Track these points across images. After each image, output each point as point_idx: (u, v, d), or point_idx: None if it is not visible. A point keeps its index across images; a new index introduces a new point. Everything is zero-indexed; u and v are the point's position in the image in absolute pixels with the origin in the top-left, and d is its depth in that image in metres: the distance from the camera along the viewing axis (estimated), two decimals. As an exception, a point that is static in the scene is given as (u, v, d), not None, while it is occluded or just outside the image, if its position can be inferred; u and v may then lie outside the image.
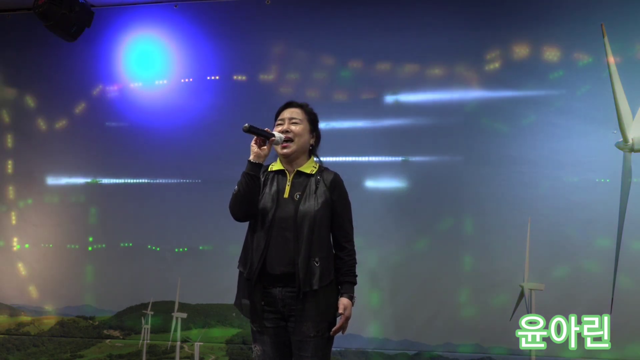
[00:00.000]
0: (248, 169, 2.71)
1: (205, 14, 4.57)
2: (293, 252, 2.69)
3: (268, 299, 2.73)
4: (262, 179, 2.84)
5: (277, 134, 2.76)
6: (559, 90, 4.03)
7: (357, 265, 2.83)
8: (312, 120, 2.87)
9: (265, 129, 2.70)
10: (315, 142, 2.90)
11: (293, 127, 2.79)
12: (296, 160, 2.83)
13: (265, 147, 2.71)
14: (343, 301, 2.74)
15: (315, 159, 2.91)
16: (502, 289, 3.98)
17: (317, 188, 2.77)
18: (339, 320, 2.72)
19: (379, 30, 4.29)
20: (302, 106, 2.88)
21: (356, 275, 2.82)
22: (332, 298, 2.75)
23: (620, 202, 3.86)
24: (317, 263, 2.69)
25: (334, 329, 2.73)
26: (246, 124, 2.62)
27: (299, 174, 2.81)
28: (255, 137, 2.70)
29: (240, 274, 2.83)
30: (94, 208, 4.68)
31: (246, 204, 2.73)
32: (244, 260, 2.81)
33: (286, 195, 2.76)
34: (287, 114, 2.84)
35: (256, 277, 2.70)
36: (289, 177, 2.81)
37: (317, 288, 2.67)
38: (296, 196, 2.75)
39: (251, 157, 2.71)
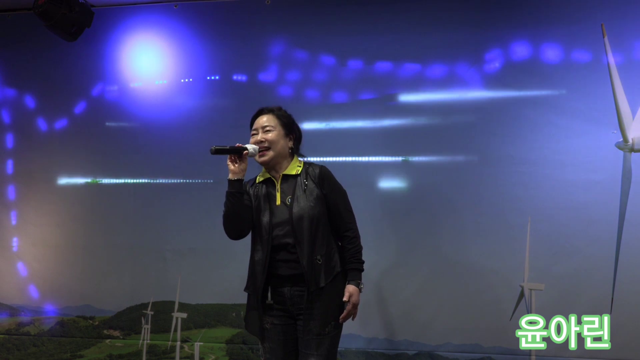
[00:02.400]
0: (229, 187, 2.73)
1: (205, 14, 4.57)
2: (297, 256, 2.71)
3: (277, 298, 2.78)
4: (252, 192, 2.86)
5: (249, 146, 2.76)
6: (559, 90, 4.02)
7: (362, 251, 2.86)
8: (286, 123, 2.87)
9: (237, 144, 2.71)
10: (294, 144, 2.90)
11: (267, 136, 2.81)
12: (279, 165, 2.85)
13: (240, 162, 2.73)
14: (349, 288, 2.78)
15: (299, 158, 2.92)
16: (502, 289, 3.98)
17: (306, 187, 2.78)
18: (347, 307, 2.76)
19: (379, 30, 4.29)
20: (273, 111, 2.88)
21: (362, 262, 2.84)
22: (338, 291, 2.79)
23: (620, 202, 3.86)
24: (319, 261, 2.72)
25: (341, 316, 2.77)
26: (212, 147, 2.64)
27: (286, 177, 2.83)
28: (228, 155, 2.70)
29: (248, 294, 2.87)
30: (94, 208, 4.68)
31: (236, 222, 2.77)
32: (248, 274, 2.87)
33: (278, 202, 2.79)
34: (259, 123, 2.85)
35: (262, 291, 2.76)
36: (277, 184, 2.82)
37: (323, 285, 2.72)
38: (288, 200, 2.77)
39: (229, 175, 2.72)
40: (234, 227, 2.79)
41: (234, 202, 2.73)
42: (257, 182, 2.89)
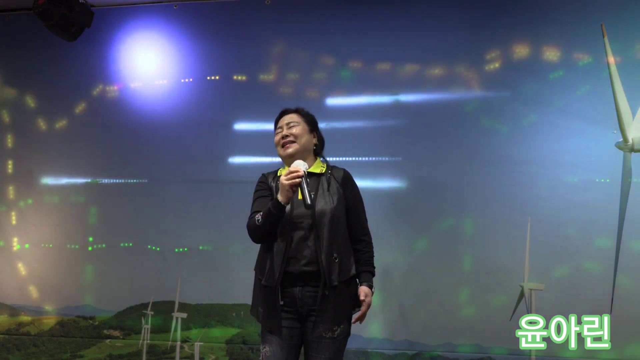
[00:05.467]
0: (276, 209, 2.68)
1: (205, 14, 4.57)
2: (314, 251, 2.71)
3: (287, 300, 2.75)
4: (273, 185, 2.89)
5: (300, 163, 2.71)
6: (559, 90, 4.02)
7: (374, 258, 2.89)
8: (310, 121, 2.94)
9: (299, 170, 2.66)
10: (318, 143, 2.96)
11: (292, 130, 2.86)
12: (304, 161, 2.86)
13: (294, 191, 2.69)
14: (364, 289, 2.80)
15: (321, 159, 2.96)
16: (502, 289, 3.98)
17: (329, 186, 2.82)
18: (362, 308, 2.78)
19: (379, 30, 4.29)
20: (297, 110, 2.96)
21: (374, 267, 2.88)
22: (350, 293, 2.80)
23: (620, 202, 3.86)
24: (336, 259, 2.72)
25: (356, 316, 2.79)
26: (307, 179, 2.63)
27: (309, 174, 2.84)
28: (292, 182, 2.64)
29: (257, 280, 2.84)
30: (94, 208, 4.68)
31: (268, 234, 2.77)
32: (262, 266, 2.82)
33: (300, 197, 2.77)
34: (283, 121, 2.91)
35: (279, 280, 2.72)
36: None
37: (336, 284, 2.72)
38: (311, 195, 2.76)
39: (282, 200, 2.67)
40: (264, 236, 2.79)
41: (274, 222, 2.73)
42: (278, 174, 2.91)
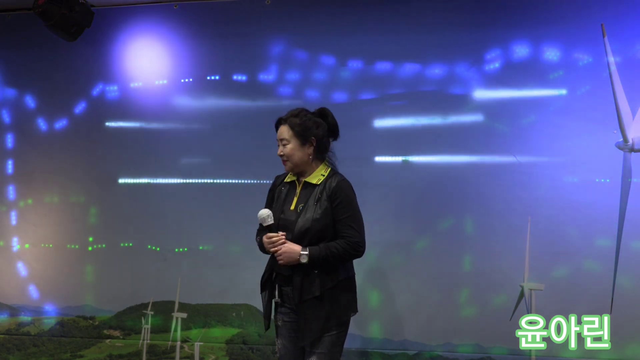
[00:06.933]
0: (263, 249, 2.92)
1: (204, 14, 4.56)
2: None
3: (284, 297, 2.89)
4: (278, 188, 2.99)
5: (268, 221, 2.86)
6: (559, 90, 4.02)
7: (347, 259, 2.86)
8: (299, 132, 2.85)
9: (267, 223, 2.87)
10: (316, 149, 2.90)
11: (284, 149, 2.88)
12: (303, 171, 2.92)
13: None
14: (293, 245, 2.77)
15: (327, 164, 2.96)
16: (502, 289, 3.98)
17: (319, 198, 2.83)
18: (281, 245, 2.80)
19: (379, 30, 4.28)
20: (288, 120, 2.88)
21: (330, 253, 2.76)
22: (340, 297, 2.82)
23: (620, 202, 3.86)
24: (316, 270, 2.77)
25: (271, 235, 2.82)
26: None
27: (307, 184, 2.90)
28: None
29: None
30: (94, 208, 4.68)
31: None
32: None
33: (292, 207, 2.87)
34: (278, 134, 2.92)
35: (266, 280, 2.93)
36: (298, 189, 2.90)
37: (318, 294, 2.77)
38: (299, 208, 2.85)
39: (266, 246, 2.86)
40: None
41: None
42: (285, 180, 2.99)
